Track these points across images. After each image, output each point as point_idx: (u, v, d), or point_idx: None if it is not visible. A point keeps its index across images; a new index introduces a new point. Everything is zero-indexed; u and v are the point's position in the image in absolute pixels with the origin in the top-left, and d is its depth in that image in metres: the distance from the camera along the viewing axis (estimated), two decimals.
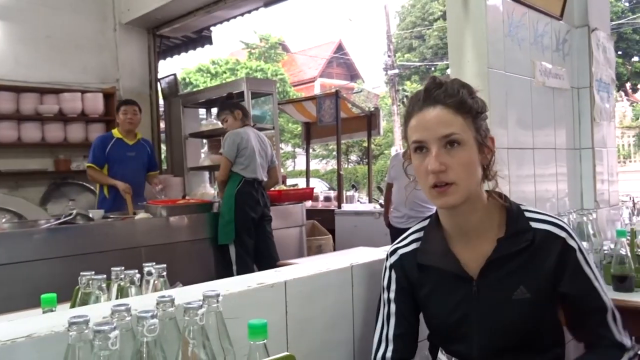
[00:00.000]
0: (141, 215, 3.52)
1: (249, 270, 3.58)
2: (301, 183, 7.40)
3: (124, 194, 3.78)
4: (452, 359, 0.79)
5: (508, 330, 1.07)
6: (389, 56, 20.12)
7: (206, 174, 5.89)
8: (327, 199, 6.68)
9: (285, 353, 0.77)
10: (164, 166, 5.96)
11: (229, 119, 3.82)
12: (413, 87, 20.29)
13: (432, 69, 21.51)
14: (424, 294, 1.17)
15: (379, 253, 1.51)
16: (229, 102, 3.96)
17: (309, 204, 5.26)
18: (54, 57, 4.94)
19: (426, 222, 1.22)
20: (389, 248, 1.26)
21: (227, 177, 3.69)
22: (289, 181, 7.10)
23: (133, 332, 0.81)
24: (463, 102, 1.07)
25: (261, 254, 3.73)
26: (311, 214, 5.05)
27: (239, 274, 3.55)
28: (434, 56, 21.45)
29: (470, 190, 1.08)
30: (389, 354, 1.15)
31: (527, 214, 1.13)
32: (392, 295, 1.19)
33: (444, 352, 0.81)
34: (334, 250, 5.11)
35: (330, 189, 13.41)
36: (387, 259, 1.23)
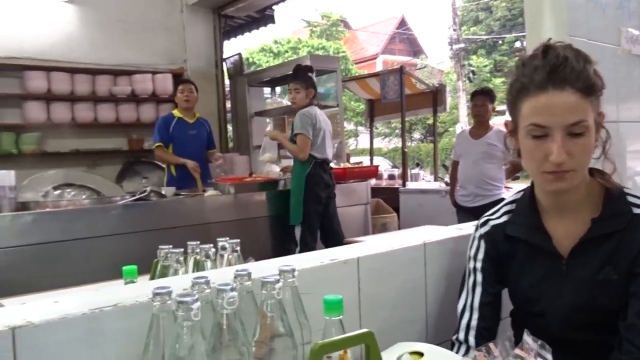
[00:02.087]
0: (210, 192, 3.62)
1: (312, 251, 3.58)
2: (364, 161, 7.37)
3: (193, 172, 3.88)
4: (538, 342, 0.75)
5: (591, 309, 1.04)
6: (454, 30, 19.48)
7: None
8: (391, 177, 6.61)
9: (364, 330, 0.76)
10: (230, 145, 6.08)
11: (301, 93, 3.63)
12: (479, 61, 19.62)
13: (500, 42, 20.68)
14: (511, 266, 1.14)
15: (451, 231, 1.47)
16: (306, 76, 3.73)
17: (373, 182, 5.22)
18: (125, 39, 5.12)
19: (519, 195, 1.18)
20: (478, 220, 1.22)
21: (307, 155, 3.55)
22: (352, 159, 7.08)
23: (212, 304, 0.83)
24: (592, 84, 0.98)
25: (326, 231, 3.73)
26: (375, 192, 5.01)
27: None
28: (501, 28, 20.60)
29: (585, 175, 1.03)
30: (474, 322, 1.13)
31: (630, 198, 1.06)
32: (478, 264, 1.17)
33: (529, 333, 0.77)
34: (399, 228, 5.07)
35: (394, 167, 13.30)
36: (476, 230, 1.21)
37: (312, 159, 3.58)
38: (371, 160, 7.27)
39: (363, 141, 20.05)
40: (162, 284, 0.80)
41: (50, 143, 4.82)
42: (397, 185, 5.97)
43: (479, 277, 1.16)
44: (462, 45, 19.32)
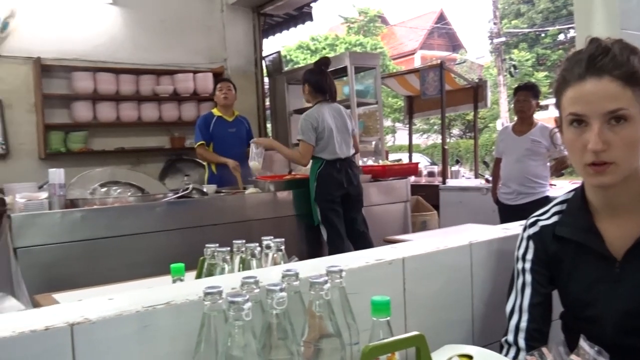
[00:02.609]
0: (250, 190, 3.66)
1: (342, 251, 3.53)
2: (403, 159, 7.31)
3: (234, 172, 3.93)
4: (594, 347, 0.73)
5: None
6: (494, 23, 19.09)
7: None
8: (431, 174, 6.54)
9: (415, 332, 0.76)
10: None
11: (304, 91, 3.65)
12: (521, 55, 19.16)
13: (543, 35, 20.14)
14: (561, 268, 1.11)
15: (497, 231, 1.44)
16: (305, 72, 3.72)
17: (412, 179, 5.18)
18: (167, 40, 5.23)
19: (570, 195, 1.14)
20: (526, 220, 1.19)
21: (309, 162, 3.55)
22: (391, 156, 7.03)
23: (261, 303, 0.84)
24: (634, 72, 0.95)
25: (351, 232, 3.64)
26: (415, 189, 4.96)
27: (331, 254, 3.54)
28: (544, 21, 20.06)
29: (630, 170, 0.98)
30: (523, 324, 1.10)
31: None
32: (527, 265, 1.14)
33: (585, 338, 0.75)
34: (439, 226, 5.01)
35: (432, 163, 13.13)
36: (524, 230, 1.18)
37: (322, 160, 3.51)
38: (410, 157, 7.20)
39: (400, 138, 19.88)
40: (212, 283, 0.81)
41: (96, 141, 4.97)
42: (436, 183, 5.91)
43: (528, 277, 1.13)
44: (503, 39, 18.91)
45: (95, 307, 0.84)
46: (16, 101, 4.58)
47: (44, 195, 3.06)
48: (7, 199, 3.05)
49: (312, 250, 3.63)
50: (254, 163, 3.71)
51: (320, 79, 3.60)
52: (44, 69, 4.54)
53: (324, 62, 3.74)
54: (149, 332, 0.84)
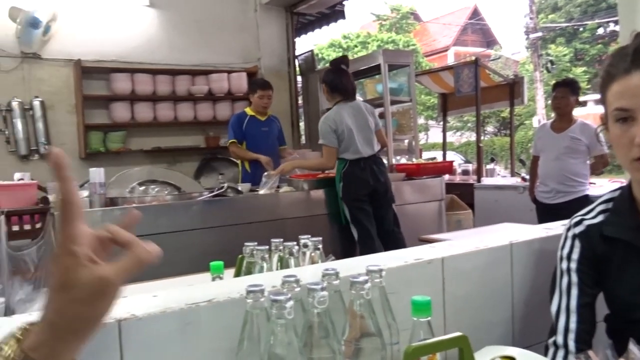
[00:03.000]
0: (284, 188, 3.69)
1: (373, 251, 3.52)
2: (436, 157, 7.23)
3: (267, 167, 3.97)
4: None
5: None
6: (530, 18, 18.70)
7: None
8: (465, 172, 6.45)
9: (459, 333, 0.75)
10: (302, 141, 6.16)
11: (323, 92, 3.62)
12: (558, 50, 18.71)
13: (581, 29, 19.61)
14: (609, 269, 1.08)
15: (538, 231, 1.41)
16: (324, 72, 3.69)
17: (446, 177, 5.12)
18: (202, 40, 5.31)
19: (616, 194, 1.11)
20: (569, 219, 1.17)
21: (334, 164, 3.53)
22: (424, 155, 6.96)
23: (302, 302, 0.84)
24: None
25: (381, 231, 3.61)
26: (449, 188, 4.91)
27: (362, 254, 3.53)
28: (582, 15, 19.54)
29: None
30: (572, 325, 1.06)
31: None
32: (573, 265, 1.11)
33: (634, 342, 0.73)
34: (474, 225, 4.94)
35: (466, 161, 12.95)
36: (569, 229, 1.15)
37: (346, 161, 3.48)
38: (444, 155, 7.12)
39: (433, 135, 19.68)
40: (253, 282, 0.82)
41: (133, 141, 5.08)
42: (471, 181, 5.82)
43: (574, 277, 1.10)
44: (539, 34, 18.49)
45: (140, 304, 0.86)
46: (58, 102, 4.72)
47: (84, 193, 3.15)
48: (51, 198, 3.15)
49: (345, 248, 3.63)
50: (265, 190, 3.68)
51: (336, 78, 3.53)
52: (84, 71, 4.66)
53: (341, 60, 3.67)
54: (192, 329, 0.86)
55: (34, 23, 4.36)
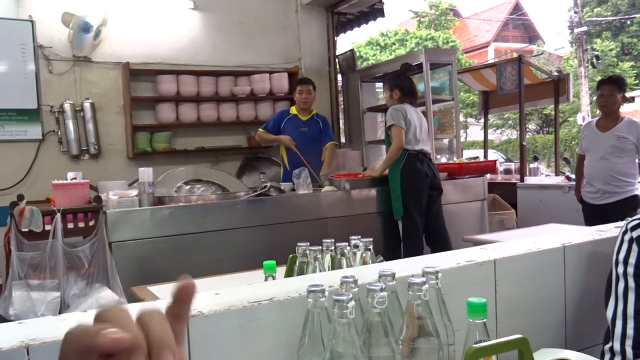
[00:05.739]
0: (326, 188, 3.72)
1: (416, 247, 3.56)
2: (478, 155, 7.12)
3: (290, 146, 4.14)
4: None
5: None
6: (575, 12, 18.14)
7: (383, 147, 5.97)
8: (507, 171, 6.34)
9: (518, 335, 0.76)
10: (342, 140, 6.18)
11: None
12: (604, 45, 18.10)
13: (629, 22, 18.91)
14: None
15: (591, 233, 1.39)
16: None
17: (488, 176, 5.05)
18: (245, 41, 5.39)
19: None
20: (624, 222, 1.15)
21: (403, 143, 3.60)
22: (464, 153, 6.87)
23: (360, 302, 0.87)
24: None
25: (432, 232, 3.67)
26: (491, 187, 4.84)
27: (405, 250, 3.57)
28: (630, 7, 18.84)
29: None
30: (630, 331, 1.04)
31: None
32: (630, 269, 1.09)
33: None
34: (517, 225, 4.86)
35: (507, 160, 12.70)
36: (625, 232, 1.13)
37: (406, 151, 3.62)
38: (485, 154, 7.01)
39: (472, 133, 19.33)
40: (311, 281, 0.85)
41: (178, 141, 5.20)
42: (514, 180, 5.72)
43: (632, 282, 1.08)
44: (584, 28, 17.92)
45: (205, 302, 0.91)
46: (107, 104, 4.88)
47: (134, 192, 3.26)
48: (102, 196, 3.27)
49: (387, 248, 3.64)
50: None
51: (409, 84, 3.85)
52: (131, 73, 4.80)
53: (409, 67, 4.09)
54: (254, 326, 0.90)
55: (85, 28, 4.52)
